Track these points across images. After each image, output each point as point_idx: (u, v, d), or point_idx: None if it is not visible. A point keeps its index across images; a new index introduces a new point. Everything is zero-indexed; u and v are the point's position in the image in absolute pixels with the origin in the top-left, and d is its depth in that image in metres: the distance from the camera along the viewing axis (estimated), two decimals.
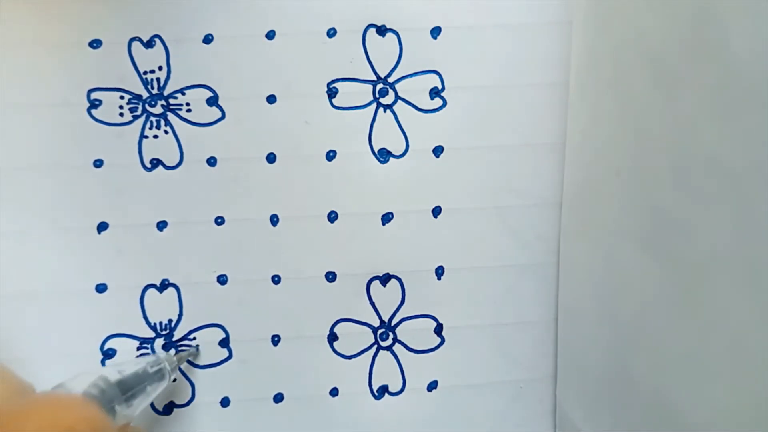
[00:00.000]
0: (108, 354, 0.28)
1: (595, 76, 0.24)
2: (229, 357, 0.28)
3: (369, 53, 0.28)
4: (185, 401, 0.28)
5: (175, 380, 0.28)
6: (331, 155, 0.28)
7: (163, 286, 0.28)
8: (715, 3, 0.17)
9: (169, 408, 0.28)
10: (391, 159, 0.28)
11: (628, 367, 0.23)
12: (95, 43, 0.27)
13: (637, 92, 0.21)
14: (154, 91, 0.27)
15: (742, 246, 0.17)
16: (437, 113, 0.28)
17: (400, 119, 0.28)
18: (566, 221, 0.28)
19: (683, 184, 0.19)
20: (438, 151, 0.28)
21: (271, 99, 0.28)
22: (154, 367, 0.25)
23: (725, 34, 0.17)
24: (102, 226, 0.28)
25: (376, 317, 0.29)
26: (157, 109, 0.27)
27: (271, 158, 0.28)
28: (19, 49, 0.27)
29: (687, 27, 0.18)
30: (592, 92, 0.25)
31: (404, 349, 0.29)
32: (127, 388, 0.23)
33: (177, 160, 0.28)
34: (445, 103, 0.28)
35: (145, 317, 0.28)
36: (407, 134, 0.28)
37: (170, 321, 0.28)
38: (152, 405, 0.28)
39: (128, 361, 0.25)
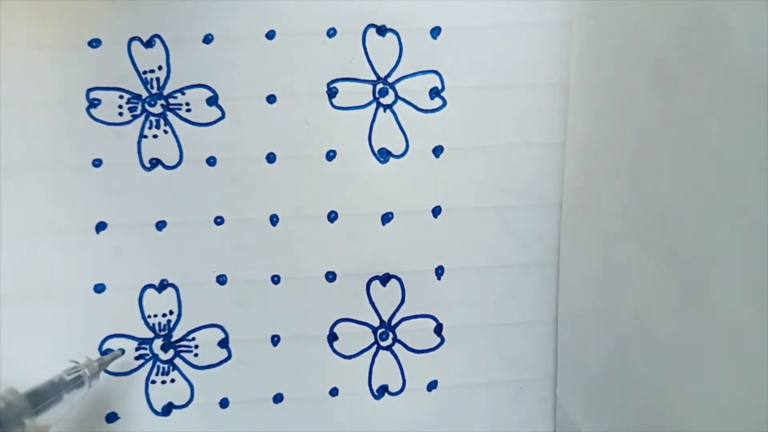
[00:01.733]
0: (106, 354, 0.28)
1: (596, 76, 0.24)
2: (228, 357, 0.28)
3: (369, 53, 0.28)
4: (184, 402, 0.28)
5: (98, 381, 0.26)
6: (331, 155, 0.28)
7: (162, 286, 0.28)
8: (716, 3, 0.17)
9: (167, 409, 0.28)
10: (391, 159, 0.28)
11: (628, 367, 0.23)
12: (95, 43, 0.27)
13: (637, 92, 0.21)
14: (154, 91, 0.27)
15: (742, 246, 0.17)
16: (437, 113, 0.28)
17: (399, 119, 0.28)
18: (566, 221, 0.28)
19: (683, 184, 0.19)
20: (438, 151, 0.28)
21: (271, 99, 0.28)
22: (71, 375, 0.24)
23: (726, 34, 0.17)
24: (100, 226, 0.27)
25: (376, 317, 0.29)
26: (157, 109, 0.27)
27: (270, 158, 0.28)
28: (18, 49, 0.27)
29: (687, 27, 0.18)
30: (593, 92, 0.25)
31: (404, 349, 0.29)
32: (40, 399, 0.22)
33: (176, 160, 0.28)
34: (444, 103, 0.28)
35: (144, 317, 0.28)
36: (407, 134, 0.28)
37: (169, 321, 0.28)
38: (150, 406, 0.28)
39: (48, 367, 0.24)
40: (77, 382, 0.24)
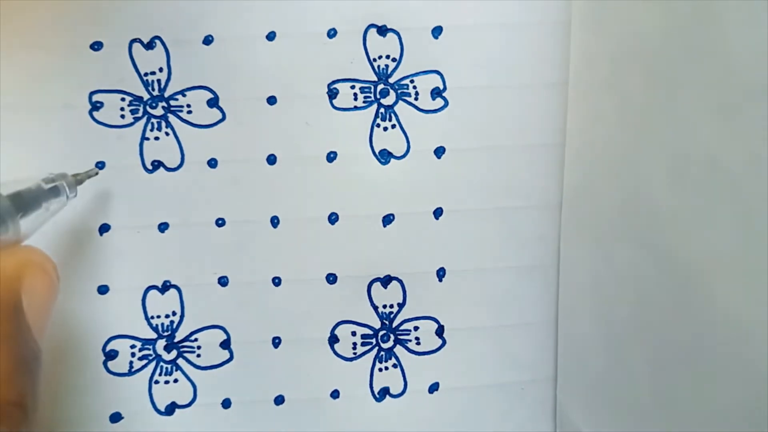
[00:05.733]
0: (110, 355, 0.28)
1: (594, 76, 0.24)
2: (230, 359, 0.28)
3: (370, 53, 0.28)
4: (187, 402, 0.28)
5: (75, 195, 0.26)
6: (331, 156, 0.28)
7: (165, 287, 0.28)
8: (714, 2, 0.17)
9: (171, 408, 0.28)
10: (392, 160, 0.28)
11: (627, 368, 0.23)
12: (96, 45, 0.27)
13: (635, 92, 0.21)
14: (155, 93, 0.27)
15: (741, 246, 0.17)
16: (438, 114, 0.28)
17: (401, 120, 0.28)
18: (566, 222, 0.28)
19: (682, 185, 0.19)
20: (439, 152, 0.28)
21: (272, 100, 0.28)
22: (48, 184, 0.24)
23: (724, 33, 0.17)
24: (104, 228, 0.28)
25: (377, 319, 0.29)
26: (158, 111, 0.28)
27: (271, 160, 0.28)
28: (21, 52, 0.27)
29: (685, 26, 0.18)
30: (591, 92, 0.25)
31: (405, 351, 0.29)
32: (23, 203, 0.22)
33: (178, 162, 0.28)
34: (446, 104, 0.28)
35: (147, 318, 0.28)
36: (408, 135, 0.28)
37: (172, 322, 0.28)
38: (154, 405, 0.28)
39: (19, 180, 0.23)
40: (54, 191, 0.24)
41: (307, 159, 0.28)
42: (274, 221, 0.28)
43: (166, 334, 0.28)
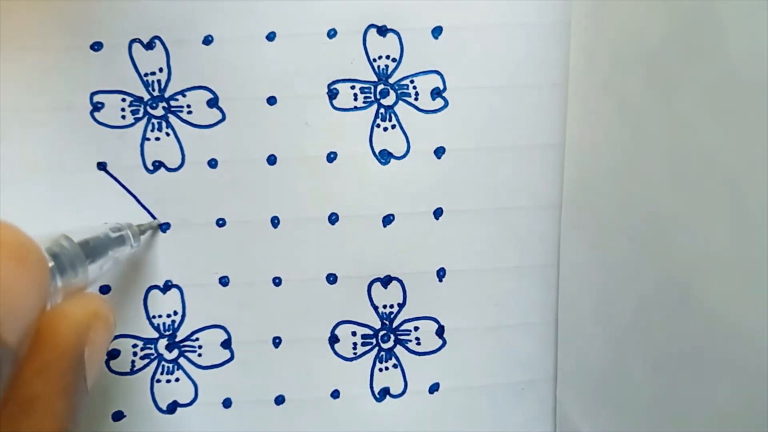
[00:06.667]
0: (112, 354, 0.28)
1: (592, 77, 0.24)
2: (231, 358, 0.28)
3: (369, 54, 0.28)
4: (188, 401, 0.28)
5: (139, 245, 0.27)
6: (331, 157, 0.28)
7: (167, 287, 0.28)
8: (713, 3, 0.17)
9: (172, 407, 0.28)
10: (392, 160, 0.28)
11: (627, 368, 0.23)
12: (96, 45, 0.27)
13: (634, 92, 0.21)
14: (155, 93, 0.28)
15: (740, 246, 0.17)
16: (439, 114, 0.28)
17: (401, 120, 0.28)
18: (565, 222, 0.28)
19: (681, 185, 0.19)
20: (439, 152, 0.28)
21: (272, 100, 0.28)
22: (115, 233, 0.24)
23: (723, 34, 0.17)
24: None
25: (378, 319, 0.29)
26: (158, 111, 0.28)
27: (271, 160, 0.28)
28: (21, 53, 0.27)
29: (684, 27, 0.18)
30: (590, 93, 0.24)
31: (406, 351, 0.29)
32: (90, 250, 0.22)
33: (178, 162, 0.28)
34: (446, 104, 0.28)
35: (149, 318, 0.28)
36: (408, 135, 0.28)
37: (173, 322, 0.28)
38: (155, 404, 0.28)
39: (88, 228, 0.24)
40: (120, 240, 0.25)
41: (307, 159, 0.28)
42: (274, 221, 0.28)
43: (167, 333, 0.28)
